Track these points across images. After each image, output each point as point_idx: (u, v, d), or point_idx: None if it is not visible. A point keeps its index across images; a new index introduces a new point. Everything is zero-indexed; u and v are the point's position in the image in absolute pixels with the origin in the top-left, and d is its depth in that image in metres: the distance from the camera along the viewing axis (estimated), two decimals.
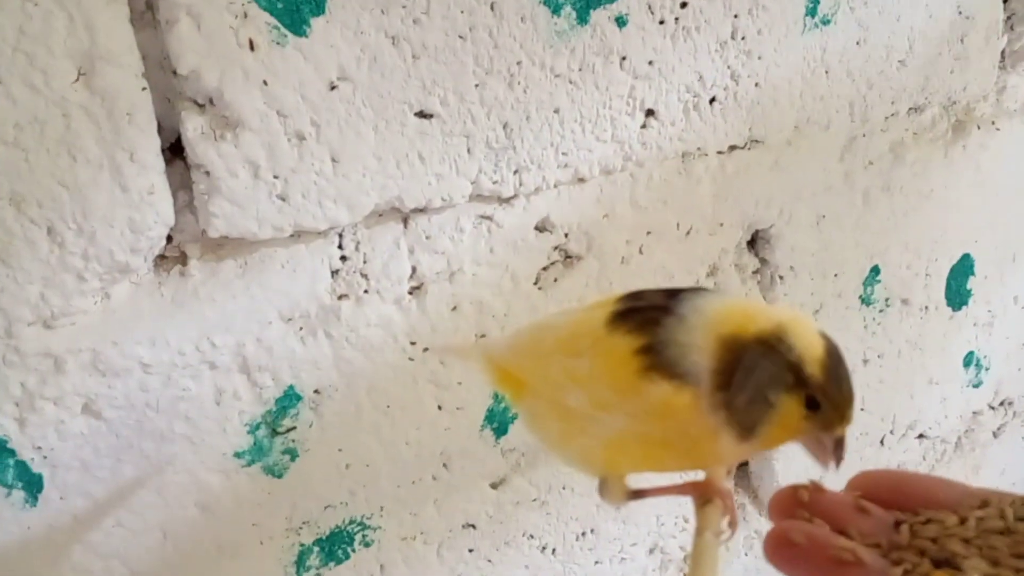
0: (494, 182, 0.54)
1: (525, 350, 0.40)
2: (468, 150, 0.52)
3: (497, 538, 0.66)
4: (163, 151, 0.46)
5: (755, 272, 0.69)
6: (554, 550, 0.69)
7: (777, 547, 0.31)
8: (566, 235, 0.59)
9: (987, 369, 0.89)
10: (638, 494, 0.38)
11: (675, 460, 0.36)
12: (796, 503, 0.33)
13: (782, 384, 0.32)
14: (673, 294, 0.36)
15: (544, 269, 0.59)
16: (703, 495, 0.37)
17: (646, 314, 0.35)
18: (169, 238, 0.48)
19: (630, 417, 0.34)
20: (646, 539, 0.74)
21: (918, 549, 0.30)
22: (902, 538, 0.31)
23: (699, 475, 0.39)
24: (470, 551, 0.65)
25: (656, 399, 0.33)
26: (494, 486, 0.65)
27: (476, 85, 0.51)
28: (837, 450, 0.33)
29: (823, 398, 0.33)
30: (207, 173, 0.46)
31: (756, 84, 0.62)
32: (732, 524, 0.37)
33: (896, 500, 0.33)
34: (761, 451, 0.39)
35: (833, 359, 0.33)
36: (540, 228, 0.58)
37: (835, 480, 0.35)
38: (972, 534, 0.30)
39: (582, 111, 0.55)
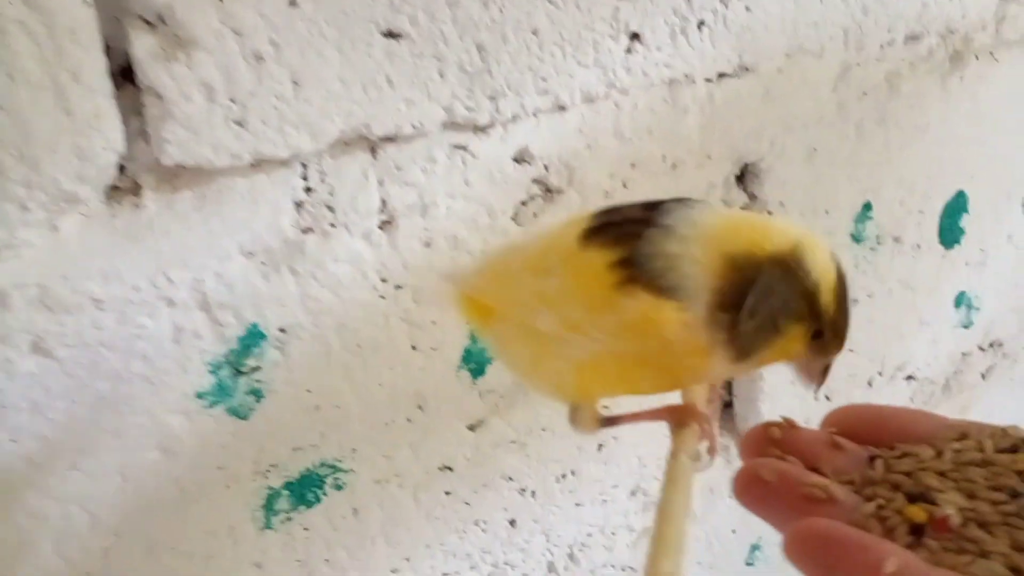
0: (468, 109, 0.51)
1: (492, 274, 0.38)
2: (440, 74, 0.49)
3: (475, 481, 0.64)
4: (113, 75, 0.43)
5: (744, 208, 0.67)
6: (534, 492, 0.68)
7: (746, 486, 0.30)
8: (546, 167, 0.56)
9: (978, 310, 0.88)
10: (611, 421, 0.36)
11: (652, 380, 0.34)
12: (768, 441, 0.32)
13: (794, 313, 0.31)
14: (653, 206, 0.33)
15: (523, 203, 0.57)
16: (679, 419, 0.35)
17: (623, 228, 0.32)
18: (122, 168, 0.45)
19: (604, 336, 0.32)
20: (627, 480, 0.73)
21: (892, 484, 0.29)
22: (876, 473, 0.30)
23: (675, 399, 0.37)
24: (447, 494, 0.64)
25: (635, 314, 0.31)
26: (471, 428, 0.63)
27: (448, 3, 0.48)
28: (824, 374, 0.33)
29: (829, 328, 0.32)
30: (159, 96, 0.43)
31: (747, 8, 0.58)
32: (711, 450, 0.35)
33: (873, 435, 0.32)
34: (749, 372, 0.37)
35: (843, 288, 0.32)
36: (518, 160, 0.55)
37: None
38: (948, 467, 0.29)
39: (563, 33, 0.52)
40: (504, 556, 0.68)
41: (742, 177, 0.66)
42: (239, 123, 0.45)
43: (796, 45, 0.62)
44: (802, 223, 0.69)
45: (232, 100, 0.44)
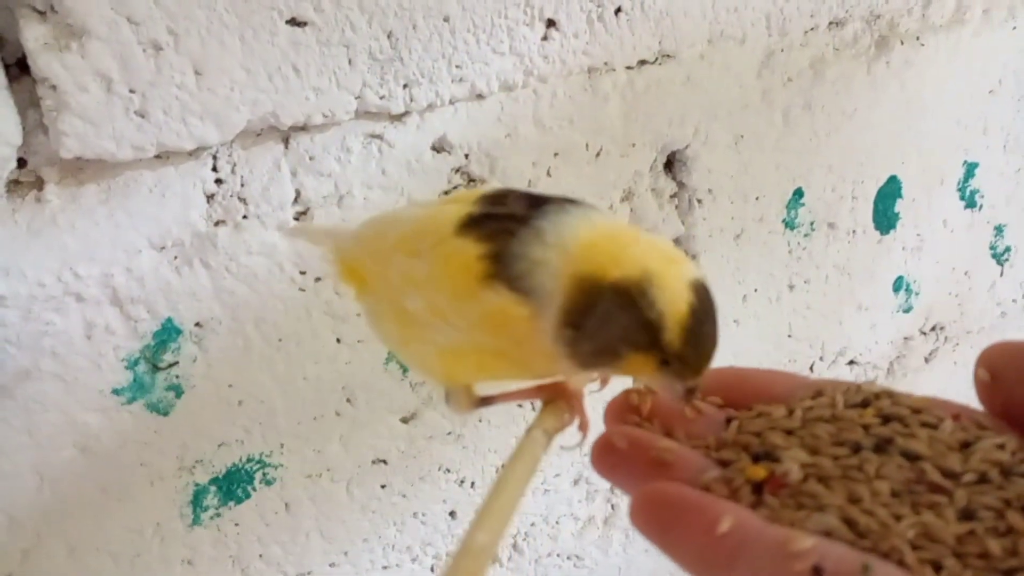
0: (381, 97, 0.51)
1: (367, 245, 0.37)
2: (349, 61, 0.49)
3: (411, 473, 0.64)
4: (8, 67, 0.43)
5: (672, 196, 0.67)
6: (473, 483, 0.68)
7: (601, 455, 0.30)
8: (466, 156, 0.56)
9: (917, 294, 0.88)
10: (486, 401, 0.36)
11: (512, 371, 0.34)
12: (628, 408, 0.32)
13: (634, 343, 0.30)
14: (538, 203, 0.33)
15: (445, 193, 0.57)
16: (549, 397, 0.35)
17: (502, 222, 0.32)
18: (23, 163, 0.45)
19: (464, 326, 0.32)
20: (570, 470, 0.73)
21: (742, 445, 0.29)
22: (728, 435, 0.30)
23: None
24: (382, 487, 0.63)
25: (492, 308, 0.31)
26: (404, 420, 0.63)
27: None
28: (688, 396, 0.31)
29: (676, 361, 0.30)
30: (53, 88, 0.42)
31: None
32: (583, 426, 0.35)
33: (734, 397, 0.32)
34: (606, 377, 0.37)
35: (697, 318, 0.30)
36: (437, 148, 0.55)
37: None
38: (797, 425, 0.29)
39: (475, 20, 0.52)
40: (446, 547, 0.68)
41: (670, 165, 0.67)
42: (140, 114, 0.44)
43: (717, 31, 0.62)
44: (732, 210, 0.70)
45: (131, 91, 0.44)
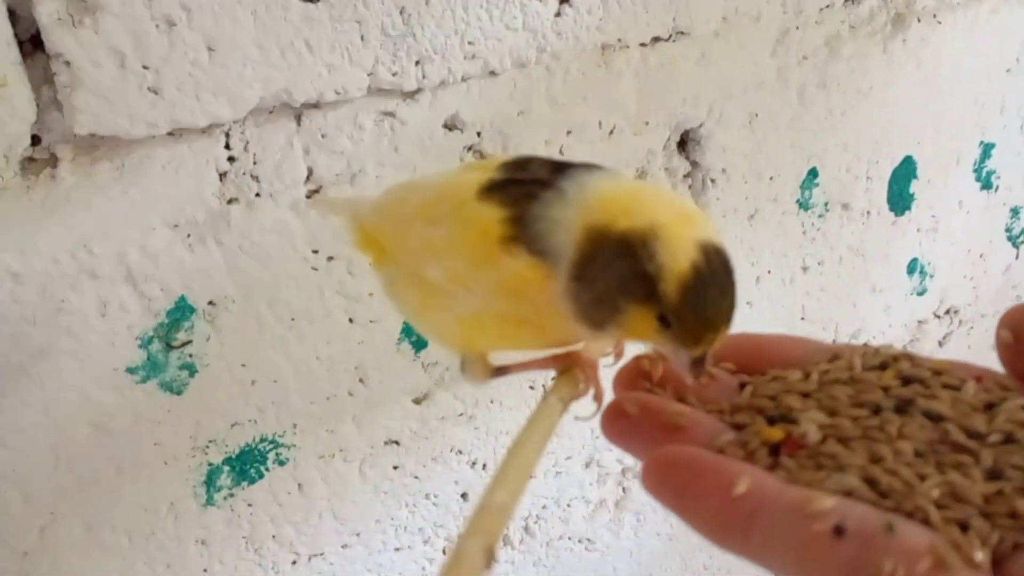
0: (393, 74, 0.50)
1: (387, 212, 0.37)
2: (362, 37, 0.48)
3: (423, 454, 0.64)
4: (22, 43, 0.43)
5: (686, 176, 0.67)
6: (484, 465, 0.68)
7: (611, 421, 0.29)
8: (478, 134, 0.56)
9: (932, 276, 0.88)
10: (501, 371, 0.36)
11: (532, 339, 0.33)
12: (639, 374, 0.32)
13: (631, 293, 0.29)
14: (562, 167, 0.33)
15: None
16: (564, 366, 0.34)
17: (525, 187, 0.32)
18: (38, 140, 0.45)
19: (485, 292, 0.31)
20: (581, 452, 0.73)
21: (757, 408, 0.29)
22: (743, 399, 0.30)
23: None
24: (395, 468, 0.63)
25: (510, 273, 0.30)
26: (417, 401, 0.63)
27: None
28: (695, 368, 0.30)
29: (675, 319, 0.29)
30: (67, 63, 0.42)
31: None
32: (597, 397, 0.35)
33: (748, 363, 0.32)
34: (616, 344, 0.36)
35: (701, 278, 0.28)
36: (449, 126, 0.55)
37: None
38: (813, 388, 0.29)
39: None
40: (458, 529, 0.68)
41: (684, 145, 0.66)
42: (153, 91, 0.44)
43: (732, 8, 0.62)
44: (746, 190, 0.69)
45: (145, 67, 0.43)
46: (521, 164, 0.34)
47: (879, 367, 0.29)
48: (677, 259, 0.28)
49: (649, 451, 0.27)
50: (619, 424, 0.29)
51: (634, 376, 0.32)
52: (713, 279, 0.29)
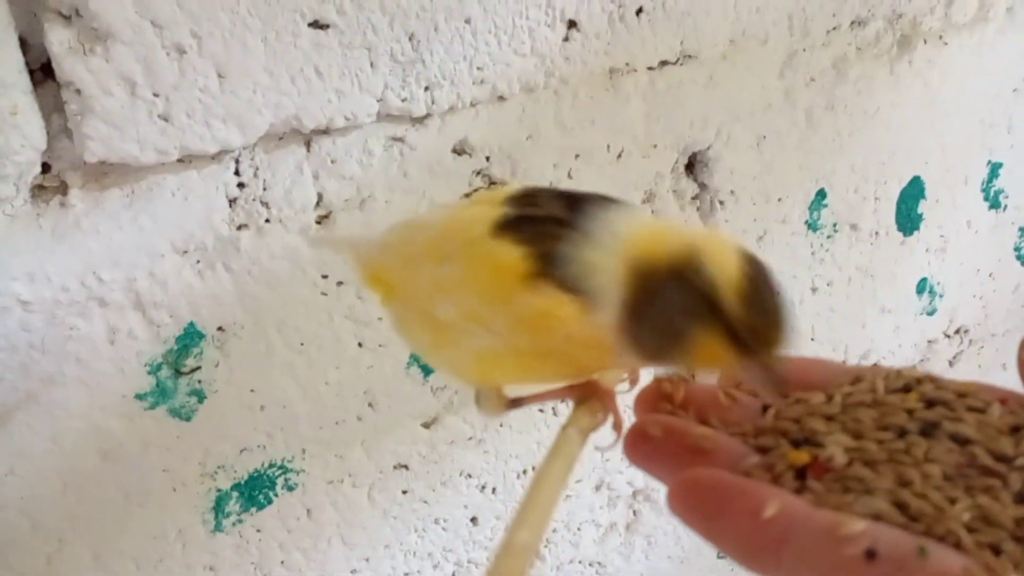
0: (403, 99, 0.50)
1: (394, 252, 0.37)
2: (371, 64, 0.49)
3: (432, 479, 0.64)
4: (33, 72, 0.43)
5: (694, 198, 0.67)
6: (494, 489, 0.67)
7: (634, 444, 0.29)
8: (487, 158, 0.56)
9: (941, 296, 0.87)
10: (516, 403, 0.36)
11: (552, 371, 0.33)
12: (660, 397, 0.32)
13: (694, 317, 0.29)
14: (573, 202, 0.33)
15: (466, 196, 0.56)
16: (581, 396, 0.34)
17: (542, 225, 0.32)
18: (48, 167, 0.45)
19: (505, 328, 0.31)
20: (591, 476, 0.72)
21: (780, 431, 0.29)
22: (766, 422, 0.29)
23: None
24: (404, 492, 0.63)
25: (538, 308, 0.30)
26: (426, 425, 0.62)
27: None
28: (770, 379, 0.30)
29: (742, 328, 0.29)
30: (78, 91, 0.42)
31: None
32: (616, 425, 0.34)
33: None
34: (637, 369, 0.36)
35: (754, 283, 0.29)
36: (458, 151, 0.55)
37: None
38: (837, 411, 0.29)
39: (496, 21, 0.51)
40: (467, 555, 0.68)
41: (692, 167, 0.66)
42: (163, 118, 0.44)
43: (739, 31, 0.62)
44: (755, 212, 0.69)
45: (155, 94, 0.43)
46: (529, 198, 0.34)
47: (902, 389, 0.29)
48: (727, 271, 0.29)
49: (673, 474, 0.27)
50: (642, 447, 0.29)
51: (655, 398, 0.32)
52: (764, 282, 0.29)
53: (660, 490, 0.77)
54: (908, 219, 0.80)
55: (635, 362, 0.32)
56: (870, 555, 0.22)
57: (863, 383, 0.30)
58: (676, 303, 0.29)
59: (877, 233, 0.78)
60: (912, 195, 0.79)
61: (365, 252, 0.39)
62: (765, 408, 0.30)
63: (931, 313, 0.87)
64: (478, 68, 0.52)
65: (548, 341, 0.31)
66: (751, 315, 0.29)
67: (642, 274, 0.30)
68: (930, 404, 0.28)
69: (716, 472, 0.26)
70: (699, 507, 0.26)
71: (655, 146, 0.62)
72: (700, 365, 0.31)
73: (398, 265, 0.36)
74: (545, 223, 0.32)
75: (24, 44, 0.42)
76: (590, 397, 0.34)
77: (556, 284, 0.30)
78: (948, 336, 0.91)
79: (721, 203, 0.67)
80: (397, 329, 0.38)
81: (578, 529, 0.73)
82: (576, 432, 0.32)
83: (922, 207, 0.80)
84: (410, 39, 0.49)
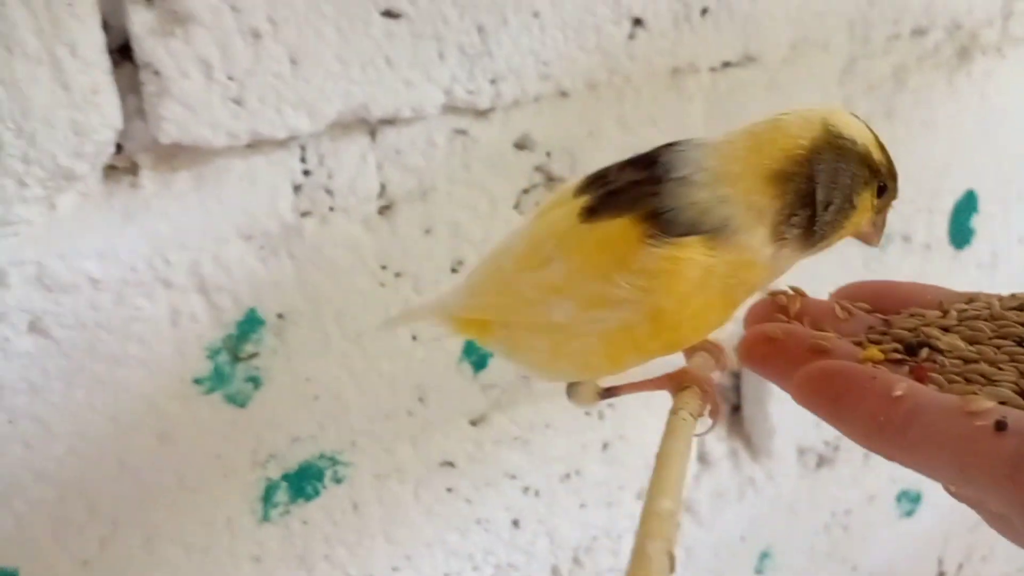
0: (469, 92, 0.50)
1: (486, 288, 0.36)
2: (440, 55, 0.49)
3: (477, 478, 0.63)
4: (111, 53, 0.43)
5: None
6: (537, 492, 0.67)
7: (753, 345, 0.31)
8: (548, 154, 0.56)
9: None
10: (610, 392, 0.36)
11: (692, 328, 0.32)
12: (775, 308, 0.33)
13: (861, 181, 0.31)
14: (642, 165, 0.33)
15: (525, 191, 0.56)
16: (679, 384, 0.34)
17: (631, 191, 0.31)
18: (120, 148, 0.45)
19: (635, 294, 0.30)
20: (633, 483, 0.72)
21: (896, 338, 0.30)
22: (881, 330, 0.31)
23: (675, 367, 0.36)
24: (448, 491, 0.63)
25: (665, 262, 0.30)
26: (473, 423, 0.62)
27: None
28: (884, 225, 0.34)
29: (889, 179, 0.32)
30: (156, 73, 0.43)
31: None
32: (713, 413, 0.34)
33: (883, 305, 0.34)
34: (724, 356, 0.37)
35: (878, 137, 0.32)
36: (520, 145, 0.55)
37: None
38: (953, 323, 0.30)
39: (564, 17, 0.51)
40: (507, 558, 0.67)
41: None
42: (236, 101, 0.44)
43: (801, 36, 0.62)
44: None
45: (230, 78, 0.44)
46: (598, 180, 0.34)
47: (1018, 308, 0.30)
48: (861, 130, 0.32)
49: (792, 372, 0.28)
50: (761, 347, 0.31)
51: (770, 310, 0.33)
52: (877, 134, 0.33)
53: (702, 501, 0.76)
54: (960, 233, 0.79)
55: (789, 264, 0.32)
56: (1000, 426, 0.23)
57: (978, 302, 0.31)
58: (843, 174, 0.31)
59: (929, 246, 0.77)
60: (966, 208, 0.78)
61: (452, 304, 0.38)
62: (884, 320, 0.32)
63: None
64: (544, 63, 0.52)
65: (678, 292, 0.30)
66: (892, 165, 0.32)
67: (784, 173, 0.30)
68: None
69: (843, 362, 0.28)
70: (827, 391, 0.27)
71: None
72: (848, 231, 0.33)
73: (494, 296, 0.36)
74: (629, 191, 0.32)
75: (105, 25, 0.43)
76: (687, 383, 0.34)
77: (677, 232, 0.30)
78: None
79: None
80: (506, 355, 0.37)
81: (619, 537, 0.72)
82: (687, 414, 0.32)
83: (974, 221, 0.79)
84: (479, 31, 0.49)
